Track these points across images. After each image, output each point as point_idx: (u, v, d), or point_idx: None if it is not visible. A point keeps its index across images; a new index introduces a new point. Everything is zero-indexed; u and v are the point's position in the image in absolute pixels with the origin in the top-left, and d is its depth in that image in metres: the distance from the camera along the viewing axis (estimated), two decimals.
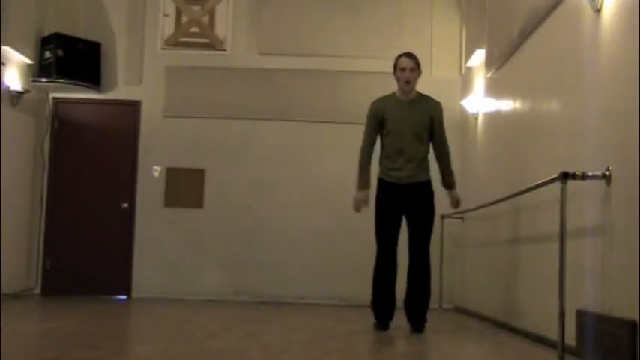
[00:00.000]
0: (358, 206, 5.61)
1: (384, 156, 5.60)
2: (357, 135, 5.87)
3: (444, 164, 5.66)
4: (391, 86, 5.78)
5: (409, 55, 5.61)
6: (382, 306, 5.53)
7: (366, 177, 5.61)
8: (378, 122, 5.58)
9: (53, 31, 8.37)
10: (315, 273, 8.56)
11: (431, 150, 5.64)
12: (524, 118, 5.70)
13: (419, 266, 5.50)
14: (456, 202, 5.80)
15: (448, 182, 5.70)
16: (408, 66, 5.55)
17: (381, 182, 5.61)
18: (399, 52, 5.72)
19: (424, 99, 5.63)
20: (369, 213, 5.64)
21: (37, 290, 8.53)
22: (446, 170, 5.67)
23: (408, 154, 5.49)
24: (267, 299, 8.44)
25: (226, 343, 4.60)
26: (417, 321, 5.47)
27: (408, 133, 5.50)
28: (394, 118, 5.53)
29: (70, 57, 8.38)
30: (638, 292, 3.32)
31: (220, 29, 8.93)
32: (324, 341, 4.81)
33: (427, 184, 5.56)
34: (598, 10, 4.01)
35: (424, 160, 5.56)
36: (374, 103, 5.66)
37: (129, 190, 8.74)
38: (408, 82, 5.54)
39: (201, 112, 8.81)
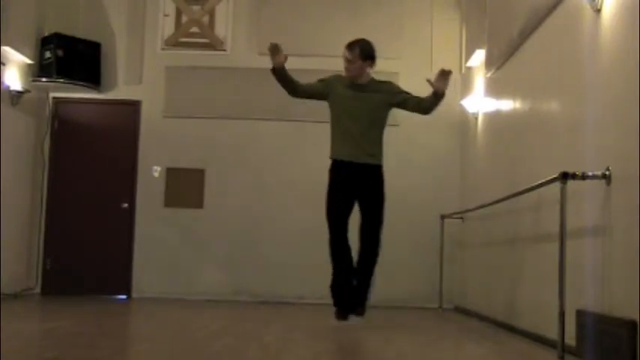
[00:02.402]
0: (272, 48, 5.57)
1: (333, 138, 5.63)
2: None
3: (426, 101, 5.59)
4: None
5: (350, 47, 5.64)
6: (341, 290, 5.54)
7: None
8: (323, 87, 5.69)
9: (53, 31, 8.37)
10: (315, 273, 8.49)
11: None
12: (524, 118, 5.70)
13: (367, 253, 5.51)
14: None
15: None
16: (345, 57, 5.62)
17: (333, 163, 5.63)
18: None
19: (378, 84, 5.65)
20: None
21: (37, 290, 8.52)
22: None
23: (355, 137, 5.51)
24: (267, 299, 8.43)
25: (226, 343, 4.60)
26: (356, 305, 5.50)
27: (357, 116, 5.52)
28: (338, 97, 5.60)
29: (70, 57, 8.38)
30: (638, 292, 3.32)
31: (220, 29, 8.93)
32: (324, 341, 4.81)
33: (377, 168, 5.58)
34: (598, 10, 4.01)
35: (375, 146, 5.57)
36: (333, 75, 5.75)
37: (129, 190, 8.74)
38: (347, 71, 5.61)
39: (201, 112, 8.81)
